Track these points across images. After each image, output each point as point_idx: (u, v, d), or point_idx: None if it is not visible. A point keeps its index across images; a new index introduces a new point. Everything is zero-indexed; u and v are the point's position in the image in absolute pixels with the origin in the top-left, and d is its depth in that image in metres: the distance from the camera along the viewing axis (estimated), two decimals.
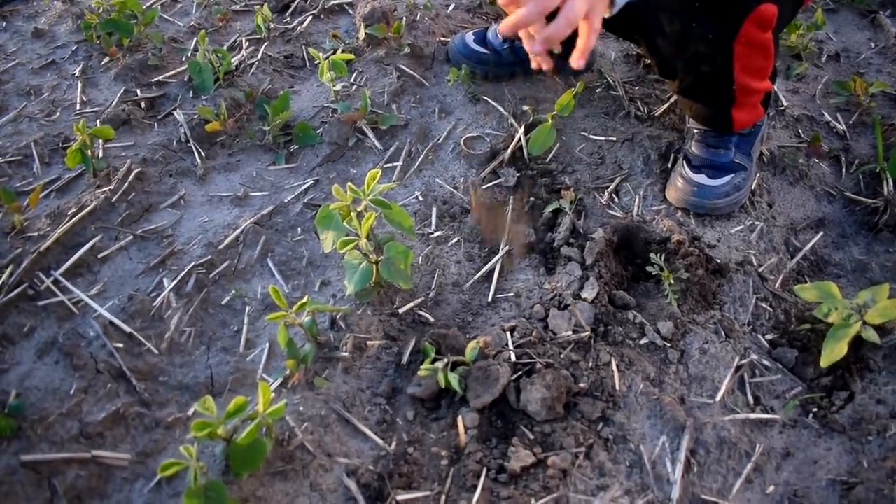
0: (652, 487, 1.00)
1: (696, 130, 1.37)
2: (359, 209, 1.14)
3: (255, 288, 1.21)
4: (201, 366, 1.11)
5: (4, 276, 1.16)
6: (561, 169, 1.44)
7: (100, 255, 1.22)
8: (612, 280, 1.25)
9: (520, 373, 1.10)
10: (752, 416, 1.08)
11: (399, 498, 0.96)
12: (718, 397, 1.11)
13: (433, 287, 1.23)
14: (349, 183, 1.10)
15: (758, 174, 1.42)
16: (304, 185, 1.37)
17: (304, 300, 1.05)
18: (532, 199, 1.38)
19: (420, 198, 1.37)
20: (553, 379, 1.06)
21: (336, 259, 1.26)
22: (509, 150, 1.42)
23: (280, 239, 1.28)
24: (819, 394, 1.12)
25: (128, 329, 1.11)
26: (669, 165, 1.44)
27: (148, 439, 1.03)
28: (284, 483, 0.96)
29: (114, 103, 1.50)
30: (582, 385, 1.10)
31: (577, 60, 1.02)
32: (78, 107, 1.51)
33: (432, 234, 1.31)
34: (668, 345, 1.17)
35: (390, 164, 1.43)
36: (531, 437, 1.04)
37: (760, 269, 1.27)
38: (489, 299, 1.22)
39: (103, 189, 1.30)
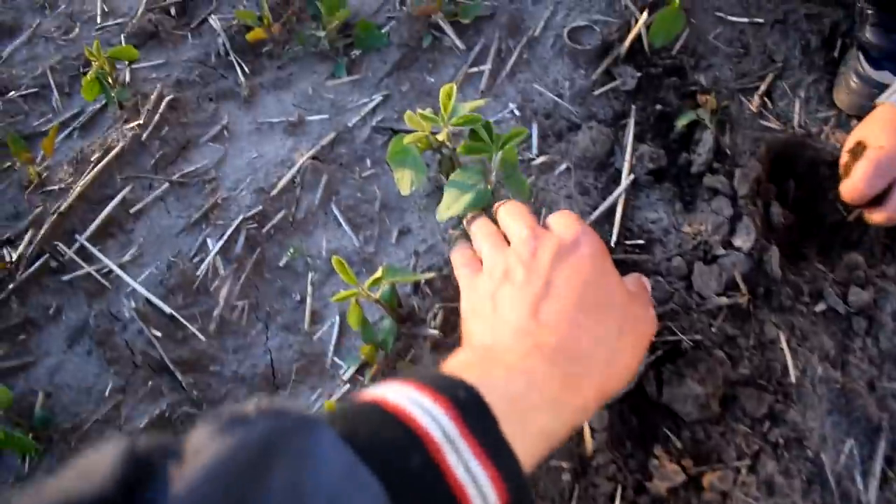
0: None
1: (869, 11, 1.01)
2: (440, 138, 0.87)
3: (319, 242, 0.98)
4: (259, 350, 0.91)
5: (23, 246, 0.97)
6: (693, 64, 1.11)
7: (132, 210, 1.01)
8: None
9: (659, 352, 0.86)
10: None
11: None
12: None
13: None
14: (423, 111, 0.83)
15: None
16: (371, 103, 1.11)
17: (379, 273, 0.81)
18: (659, 107, 1.07)
19: (516, 111, 1.08)
20: (708, 370, 0.81)
21: (416, 200, 1.01)
22: (627, 43, 1.10)
23: (346, 176, 1.04)
24: None
25: (168, 309, 0.91)
26: (836, 55, 1.10)
27: None
28: None
29: (139, 12, 1.24)
30: (742, 371, 0.84)
31: None
32: (99, 19, 1.26)
33: (534, 159, 1.04)
34: (852, 310, 0.89)
35: (476, 69, 1.13)
36: (679, 444, 0.81)
37: None
38: (611, 245, 0.96)
39: (131, 124, 1.07)
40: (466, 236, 0.92)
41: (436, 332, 0.88)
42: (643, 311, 0.70)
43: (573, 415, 0.58)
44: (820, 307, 0.89)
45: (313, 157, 1.04)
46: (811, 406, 0.83)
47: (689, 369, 0.82)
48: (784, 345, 0.85)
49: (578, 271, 0.67)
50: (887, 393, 0.84)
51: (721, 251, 0.91)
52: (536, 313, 0.64)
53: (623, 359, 0.65)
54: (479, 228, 0.80)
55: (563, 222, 0.75)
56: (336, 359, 0.90)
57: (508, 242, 0.80)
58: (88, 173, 1.02)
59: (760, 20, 1.13)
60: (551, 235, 0.71)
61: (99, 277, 0.95)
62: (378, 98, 1.11)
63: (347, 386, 0.87)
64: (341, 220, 0.99)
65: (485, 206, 0.87)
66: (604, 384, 0.62)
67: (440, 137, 0.87)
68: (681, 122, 1.03)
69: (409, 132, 1.06)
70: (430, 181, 1.01)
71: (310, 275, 0.95)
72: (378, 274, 0.81)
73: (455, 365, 0.61)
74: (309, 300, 0.94)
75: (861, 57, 1.00)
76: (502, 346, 0.62)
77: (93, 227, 0.99)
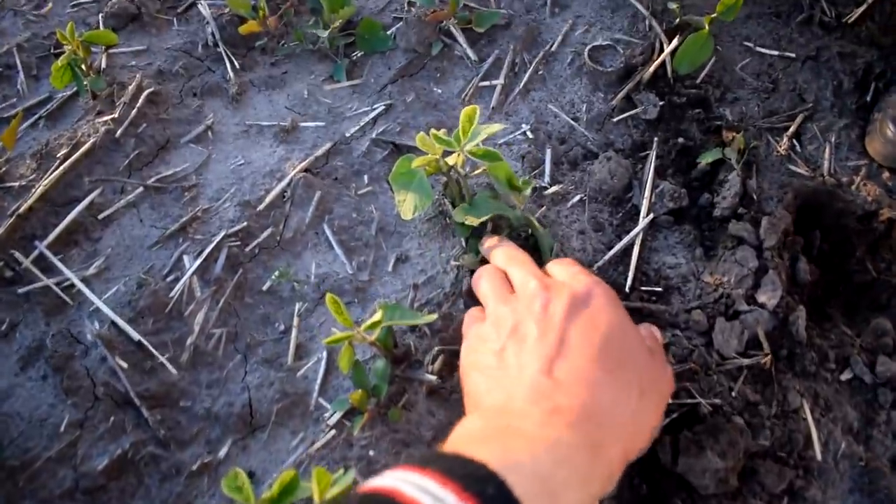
0: None
1: None
2: (450, 162, 0.80)
3: (308, 266, 0.90)
4: (236, 386, 0.82)
5: None
6: (718, 96, 1.04)
7: (100, 216, 0.91)
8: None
9: (675, 415, 0.79)
10: None
11: None
12: None
13: None
14: (437, 131, 0.75)
15: None
16: (371, 112, 1.02)
17: (378, 317, 0.73)
18: (681, 140, 1.00)
19: (529, 134, 1.00)
20: (729, 443, 0.74)
21: (416, 225, 0.93)
22: (651, 68, 1.03)
23: (341, 193, 0.95)
24: None
25: (135, 335, 0.81)
26: (869, 99, 1.03)
27: (167, 493, 0.76)
28: None
29: None
30: (763, 441, 0.78)
31: None
32: None
33: (546, 188, 0.96)
34: (879, 380, 0.83)
35: (487, 83, 1.05)
36: None
37: None
38: (626, 290, 0.89)
39: (105, 118, 0.96)
40: (475, 262, 0.85)
41: (433, 377, 0.80)
42: (662, 368, 0.66)
43: (601, 486, 0.53)
44: (846, 375, 0.83)
45: (306, 170, 0.95)
46: (832, 483, 0.77)
47: (709, 439, 0.75)
48: (808, 415, 0.79)
49: (595, 326, 0.62)
50: None
51: (744, 306, 0.85)
52: (551, 372, 0.58)
53: (645, 420, 0.61)
54: (485, 275, 0.74)
55: (570, 272, 0.70)
56: (322, 400, 0.81)
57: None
58: (53, 171, 0.91)
59: (791, 54, 1.06)
60: (562, 287, 0.66)
61: (59, 292, 0.85)
62: (380, 107, 1.02)
63: (333, 432, 0.79)
64: (333, 242, 0.90)
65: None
66: (627, 449, 0.57)
67: (451, 161, 0.79)
68: (705, 160, 0.96)
69: (411, 148, 0.98)
70: (433, 205, 0.93)
71: (297, 304, 0.86)
72: (377, 317, 0.73)
73: (468, 436, 0.54)
74: (294, 331, 0.85)
75: None
76: (518, 410, 0.56)
77: (55, 232, 0.88)
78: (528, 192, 0.80)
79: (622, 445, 0.56)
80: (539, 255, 0.86)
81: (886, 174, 0.96)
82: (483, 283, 0.73)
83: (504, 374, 0.61)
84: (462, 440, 0.53)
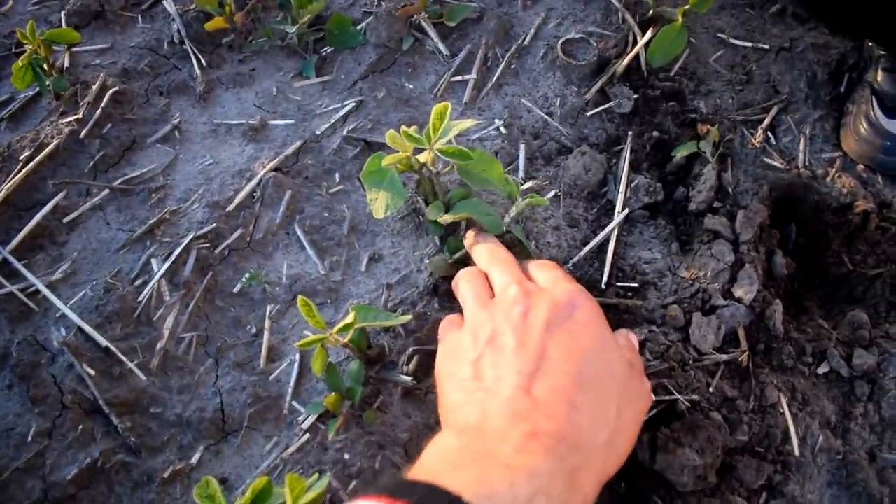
0: None
1: (882, 55, 0.93)
2: (422, 160, 0.78)
3: (279, 267, 0.88)
4: (207, 391, 0.80)
5: None
6: (693, 88, 1.04)
7: (65, 220, 0.88)
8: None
9: (653, 412, 0.78)
10: None
11: None
12: None
13: None
14: (407, 129, 0.73)
15: None
16: (342, 109, 1.00)
17: (351, 319, 0.71)
18: (656, 133, 0.99)
19: (502, 129, 0.99)
20: (708, 439, 0.74)
21: (389, 223, 0.91)
22: (625, 61, 1.02)
23: (311, 192, 0.93)
24: None
25: (103, 341, 0.79)
26: (842, 90, 1.03)
27: (138, 501, 0.74)
28: None
29: None
30: (740, 437, 0.77)
31: None
32: None
33: (521, 184, 0.95)
34: (856, 373, 0.83)
35: (460, 78, 1.04)
36: None
37: None
38: (602, 286, 0.88)
39: (68, 118, 0.94)
40: (448, 264, 0.84)
41: (408, 378, 0.79)
42: (640, 384, 0.64)
43: None
44: (823, 369, 0.83)
45: (275, 169, 0.93)
46: (811, 478, 0.77)
47: (687, 436, 0.74)
48: (785, 410, 0.79)
49: (576, 341, 0.60)
50: (888, 465, 0.79)
51: (721, 301, 0.84)
52: (529, 390, 0.56)
53: (622, 440, 0.59)
54: (465, 277, 0.73)
55: (552, 276, 0.68)
56: (295, 403, 0.80)
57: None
58: (16, 174, 0.89)
59: (765, 46, 1.06)
60: (543, 295, 0.64)
61: (24, 298, 0.83)
62: (350, 104, 1.00)
63: (307, 436, 0.77)
64: (305, 242, 0.89)
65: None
66: (602, 472, 0.56)
67: (422, 159, 0.78)
68: (680, 153, 0.96)
69: (382, 145, 0.96)
70: (406, 203, 0.91)
71: (269, 306, 0.84)
72: (349, 319, 0.72)
73: (443, 459, 0.52)
74: (266, 334, 0.83)
75: (875, 103, 0.93)
76: (494, 431, 0.54)
77: (18, 237, 0.86)
78: (523, 204, 0.78)
79: (598, 468, 0.55)
80: (519, 249, 0.85)
81: (860, 166, 0.96)
82: (462, 285, 0.72)
83: (480, 386, 0.59)
84: (436, 462, 0.52)
